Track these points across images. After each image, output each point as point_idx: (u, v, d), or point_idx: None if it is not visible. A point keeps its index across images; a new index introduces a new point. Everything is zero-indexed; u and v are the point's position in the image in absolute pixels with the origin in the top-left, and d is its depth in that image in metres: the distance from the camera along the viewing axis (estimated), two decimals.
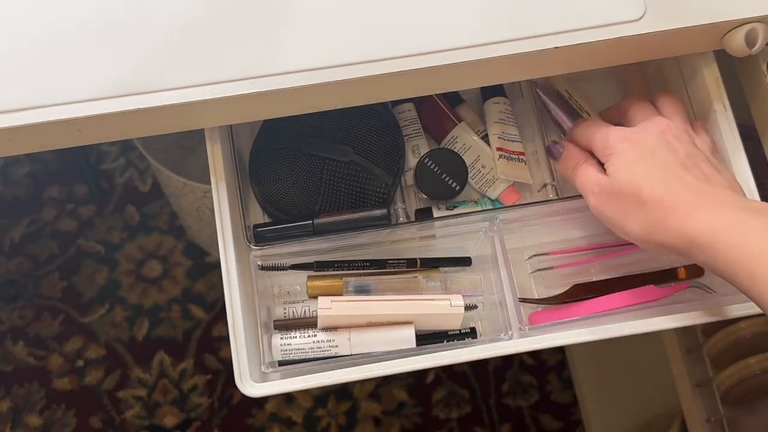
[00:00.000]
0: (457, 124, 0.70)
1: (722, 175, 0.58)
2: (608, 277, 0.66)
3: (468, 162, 0.69)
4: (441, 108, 0.71)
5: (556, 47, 0.58)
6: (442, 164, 0.68)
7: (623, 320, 0.61)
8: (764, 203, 0.56)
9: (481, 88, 0.72)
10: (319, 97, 0.60)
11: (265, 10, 0.59)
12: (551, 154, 0.65)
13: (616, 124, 0.63)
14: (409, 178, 0.70)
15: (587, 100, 0.71)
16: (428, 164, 0.67)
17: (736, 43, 0.60)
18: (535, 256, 0.67)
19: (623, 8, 0.59)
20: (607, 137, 0.60)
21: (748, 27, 0.59)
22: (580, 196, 0.62)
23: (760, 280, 0.50)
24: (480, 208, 0.68)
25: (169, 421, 1.30)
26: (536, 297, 0.66)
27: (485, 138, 0.70)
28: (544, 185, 0.70)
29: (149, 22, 0.59)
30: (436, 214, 0.68)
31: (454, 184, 0.68)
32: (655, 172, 0.56)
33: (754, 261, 0.50)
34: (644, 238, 0.57)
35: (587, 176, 0.60)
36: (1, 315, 1.34)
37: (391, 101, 0.71)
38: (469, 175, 0.69)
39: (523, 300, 0.65)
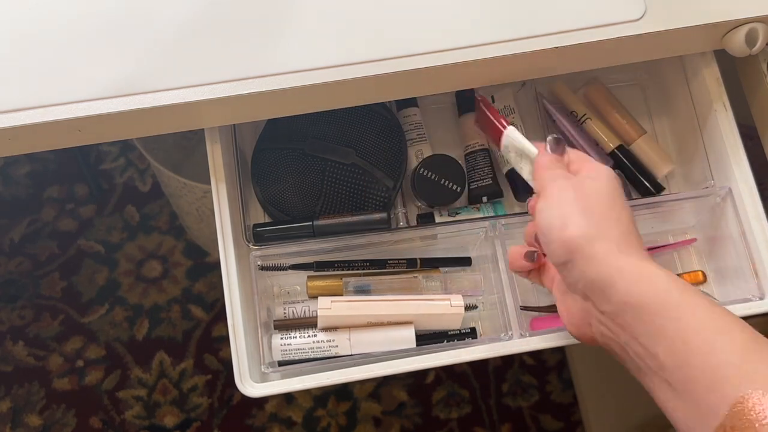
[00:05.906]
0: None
1: None
2: None
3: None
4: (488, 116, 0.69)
5: (556, 47, 0.58)
6: (439, 170, 0.67)
7: None
8: None
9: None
10: (319, 97, 0.59)
11: (265, 10, 0.59)
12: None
13: None
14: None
15: (592, 108, 0.70)
16: (424, 173, 0.67)
17: (736, 43, 0.60)
18: None
19: (623, 8, 0.59)
20: None
21: (748, 27, 0.59)
22: None
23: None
24: (482, 215, 0.68)
25: (169, 421, 1.30)
26: (538, 305, 0.66)
27: None
28: None
29: (149, 22, 0.59)
30: (437, 219, 0.68)
31: (455, 187, 0.67)
32: None
33: None
34: None
35: None
36: (1, 315, 1.34)
37: (396, 106, 0.71)
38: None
39: (525, 308, 0.65)
